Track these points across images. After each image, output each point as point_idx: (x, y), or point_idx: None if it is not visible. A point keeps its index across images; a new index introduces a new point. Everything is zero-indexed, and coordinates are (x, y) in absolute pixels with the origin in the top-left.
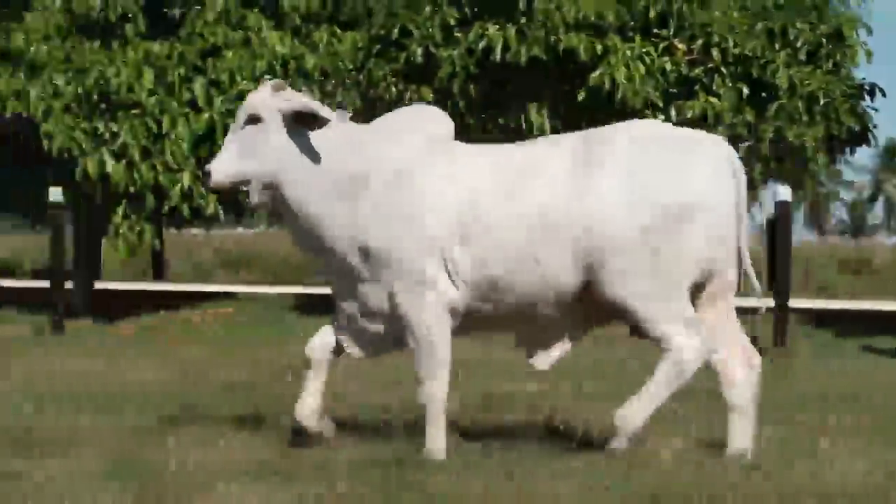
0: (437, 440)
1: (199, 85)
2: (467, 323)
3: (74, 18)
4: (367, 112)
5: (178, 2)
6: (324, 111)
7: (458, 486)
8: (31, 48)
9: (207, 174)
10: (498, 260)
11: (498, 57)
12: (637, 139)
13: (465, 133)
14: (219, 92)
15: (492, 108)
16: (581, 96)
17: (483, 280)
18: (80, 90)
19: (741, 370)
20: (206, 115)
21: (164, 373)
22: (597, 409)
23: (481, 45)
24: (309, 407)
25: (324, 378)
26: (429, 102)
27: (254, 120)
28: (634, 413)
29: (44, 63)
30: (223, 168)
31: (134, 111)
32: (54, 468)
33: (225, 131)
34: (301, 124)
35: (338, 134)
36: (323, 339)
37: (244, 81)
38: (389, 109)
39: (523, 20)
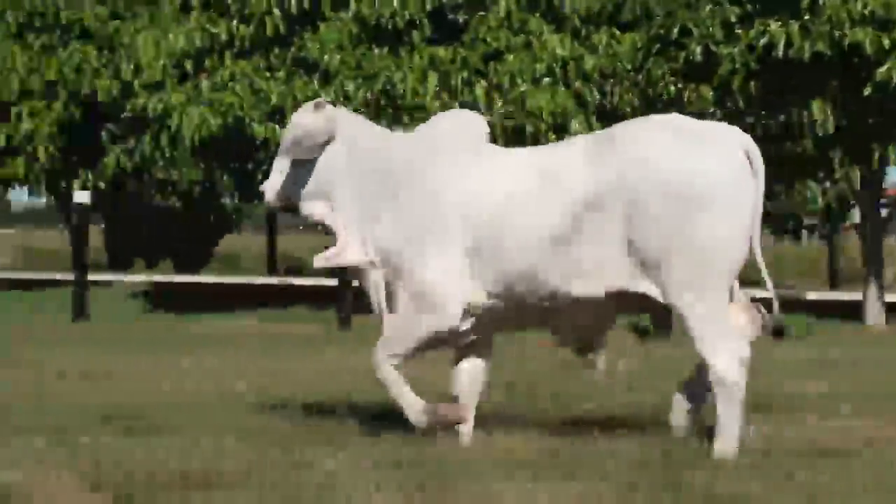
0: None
1: (480, 88)
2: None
3: (365, 27)
4: (645, 112)
5: (463, 8)
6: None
7: (737, 486)
8: (325, 57)
9: (262, 193)
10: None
11: (780, 53)
12: (650, 130)
13: (745, 131)
14: (500, 94)
15: (771, 106)
16: (867, 91)
17: (505, 284)
18: (368, 95)
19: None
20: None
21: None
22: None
23: (762, 41)
24: None
25: None
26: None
27: (301, 140)
28: (727, 443)
29: (336, 70)
30: (273, 187)
31: (418, 114)
32: (344, 459)
33: (504, 133)
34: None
35: (377, 142)
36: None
37: (524, 84)
38: (668, 109)
39: (807, 16)
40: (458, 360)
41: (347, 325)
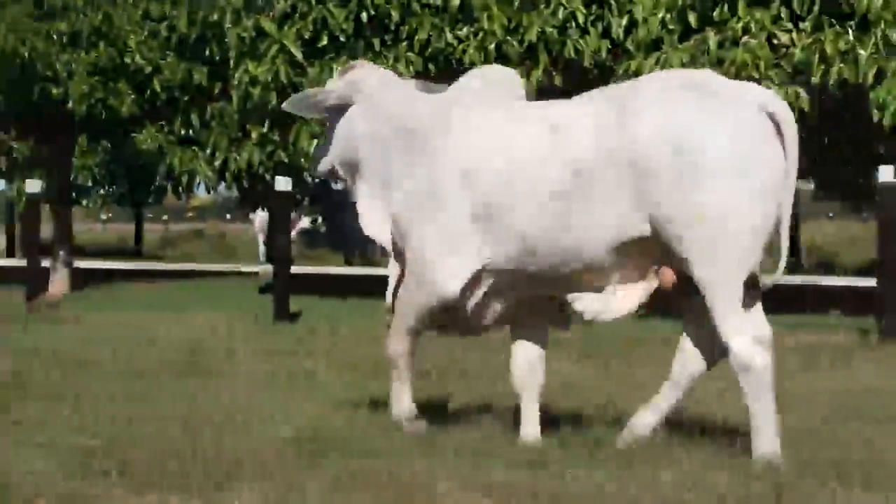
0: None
1: None
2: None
3: None
4: None
5: None
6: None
7: None
8: None
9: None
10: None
11: None
12: (665, 88)
13: None
14: None
15: None
16: None
17: (518, 248)
18: None
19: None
20: None
21: None
22: None
23: None
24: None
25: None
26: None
27: (332, 108)
28: (767, 444)
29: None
30: (319, 156)
31: None
32: None
33: None
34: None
35: (400, 104)
36: None
37: None
38: None
39: None
40: (512, 350)
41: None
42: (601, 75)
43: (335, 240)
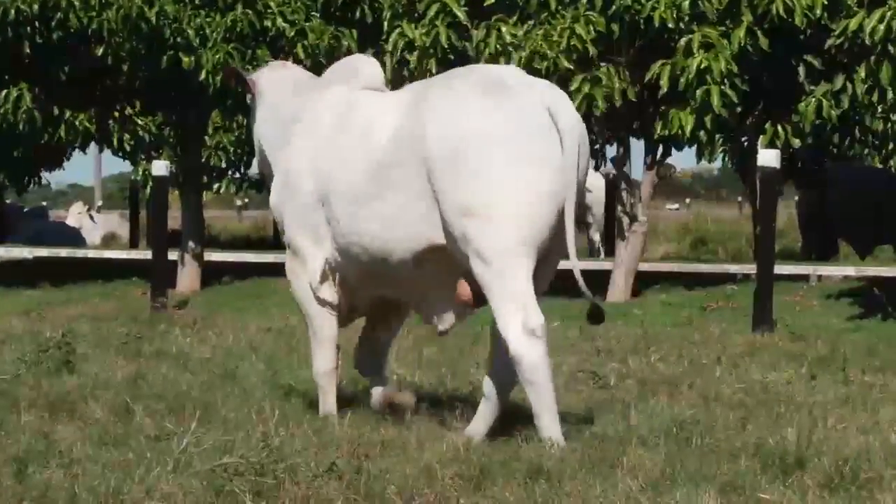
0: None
1: None
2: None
3: None
4: None
5: None
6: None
7: None
8: None
9: None
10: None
11: None
12: (448, 84)
13: None
14: None
15: None
16: None
17: (342, 243)
18: None
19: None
20: None
21: None
22: None
23: None
24: None
25: None
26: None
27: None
28: (548, 430)
29: None
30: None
31: None
32: None
33: None
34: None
35: (282, 97)
36: None
37: None
38: None
39: None
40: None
41: None
42: (815, 36)
43: None
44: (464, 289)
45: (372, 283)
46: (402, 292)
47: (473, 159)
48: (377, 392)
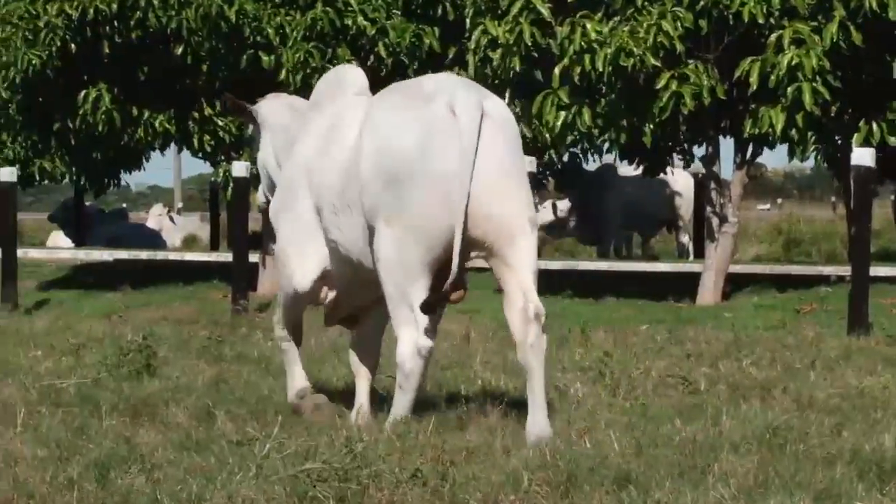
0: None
1: None
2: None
3: None
4: None
5: None
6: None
7: None
8: None
9: None
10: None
11: None
12: (383, 94)
13: None
14: None
15: None
16: None
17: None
18: None
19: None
20: None
21: None
22: None
23: None
24: None
25: None
26: None
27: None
28: (394, 423)
29: None
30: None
31: None
32: None
33: None
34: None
35: (286, 118)
36: None
37: None
38: None
39: None
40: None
41: None
42: None
43: (586, 230)
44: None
45: (358, 288)
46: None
47: (385, 168)
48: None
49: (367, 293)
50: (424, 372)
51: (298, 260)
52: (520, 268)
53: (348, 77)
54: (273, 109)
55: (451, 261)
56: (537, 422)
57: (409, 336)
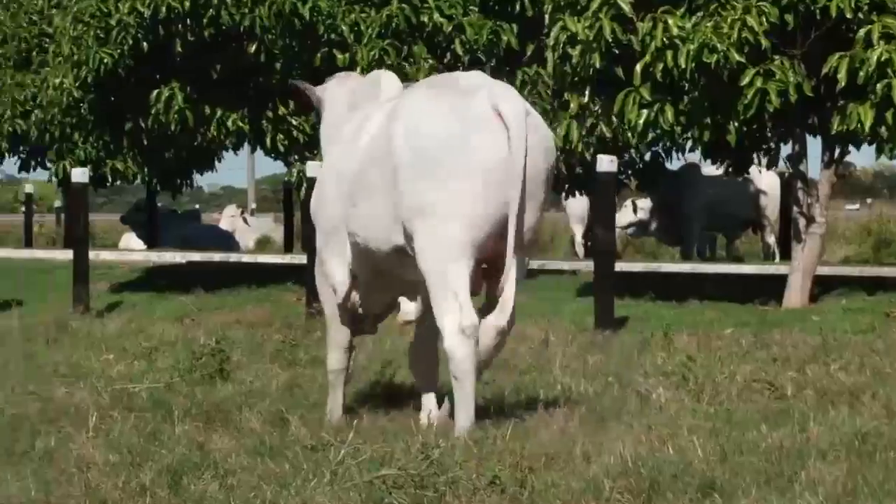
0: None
1: None
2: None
3: None
4: None
5: None
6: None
7: None
8: None
9: None
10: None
11: None
12: (415, 88)
13: None
14: None
15: None
16: None
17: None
18: None
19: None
20: None
21: None
22: None
23: None
24: None
25: None
26: None
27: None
28: (464, 420)
29: None
30: None
31: None
32: None
33: None
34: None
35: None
36: None
37: None
38: None
39: None
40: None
41: None
42: None
43: (668, 231)
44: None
45: (380, 283)
46: (405, 290)
47: (425, 160)
48: (427, 400)
49: (385, 294)
50: (476, 357)
51: (335, 261)
52: (507, 280)
53: (383, 82)
54: (333, 96)
55: (495, 256)
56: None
57: (453, 323)
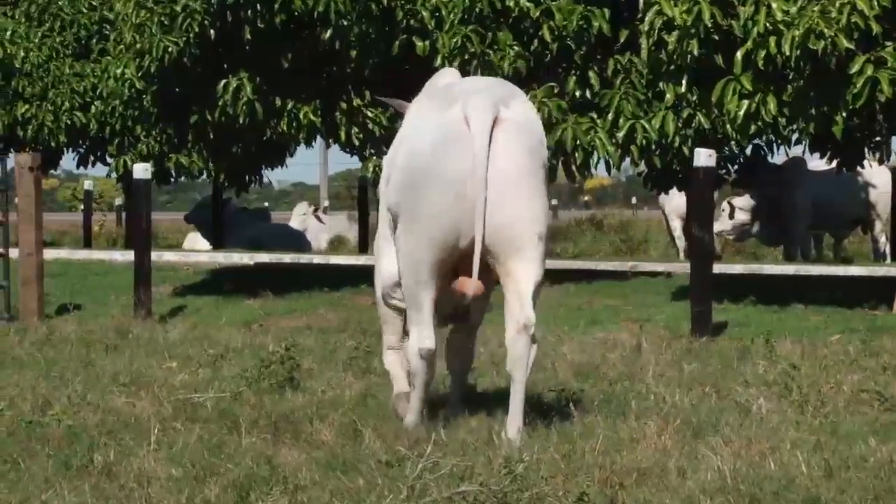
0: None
1: None
2: None
3: None
4: None
5: None
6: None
7: None
8: None
9: None
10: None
11: None
12: (427, 92)
13: None
14: None
15: None
16: None
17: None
18: None
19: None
20: None
21: None
22: None
23: None
24: None
25: None
26: None
27: None
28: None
29: None
30: None
31: None
32: None
33: None
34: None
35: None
36: None
37: None
38: None
39: None
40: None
41: None
42: None
43: (771, 230)
44: (462, 284)
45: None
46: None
47: (401, 166)
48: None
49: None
50: (428, 374)
51: (385, 258)
52: (521, 279)
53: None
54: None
55: (464, 266)
56: (508, 430)
57: (414, 336)
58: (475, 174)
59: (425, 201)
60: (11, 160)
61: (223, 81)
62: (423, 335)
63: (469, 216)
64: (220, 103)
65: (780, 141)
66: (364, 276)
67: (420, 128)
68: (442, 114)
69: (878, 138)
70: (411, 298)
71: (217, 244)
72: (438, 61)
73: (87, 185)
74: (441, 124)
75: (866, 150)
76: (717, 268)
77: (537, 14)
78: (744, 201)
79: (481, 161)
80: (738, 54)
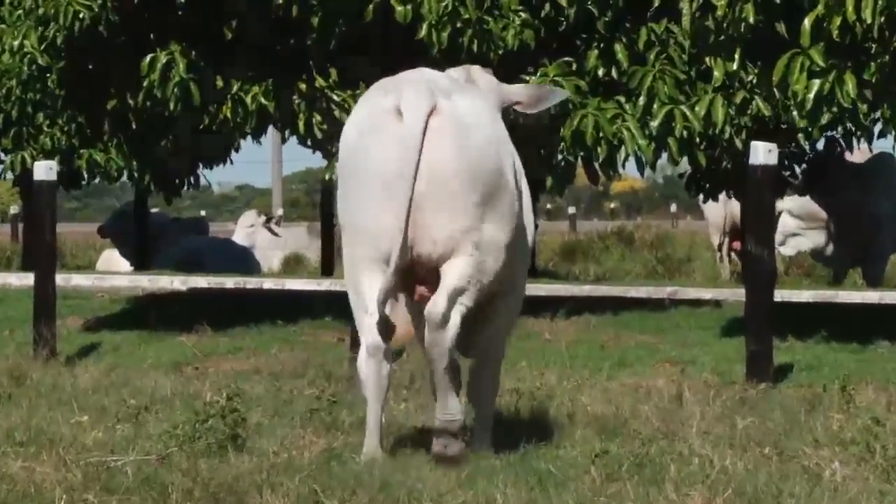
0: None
1: None
2: None
3: None
4: None
5: None
6: None
7: None
8: None
9: None
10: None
11: None
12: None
13: None
14: None
15: None
16: None
17: None
18: None
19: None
20: None
21: None
22: None
23: None
24: None
25: None
26: None
27: None
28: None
29: None
30: None
31: None
32: None
33: None
34: None
35: None
36: None
37: None
38: None
39: None
40: None
41: None
42: None
43: (846, 246)
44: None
45: None
46: None
47: (338, 168)
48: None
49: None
50: (378, 380)
51: None
52: (447, 272)
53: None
54: None
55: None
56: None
57: (363, 342)
58: (403, 168)
59: (354, 196)
60: None
61: (149, 56)
62: (368, 330)
63: (398, 212)
64: (145, 84)
65: (860, 132)
66: (328, 305)
67: (351, 118)
68: (376, 102)
69: None
70: (353, 299)
71: (140, 264)
72: (423, 30)
73: None
74: (371, 114)
75: None
76: (779, 294)
77: None
78: (794, 203)
79: (412, 156)
80: (807, 22)
